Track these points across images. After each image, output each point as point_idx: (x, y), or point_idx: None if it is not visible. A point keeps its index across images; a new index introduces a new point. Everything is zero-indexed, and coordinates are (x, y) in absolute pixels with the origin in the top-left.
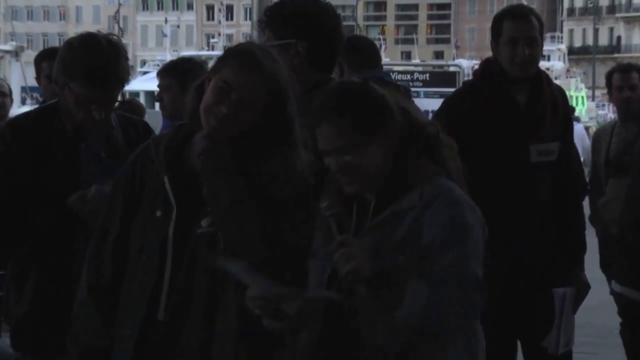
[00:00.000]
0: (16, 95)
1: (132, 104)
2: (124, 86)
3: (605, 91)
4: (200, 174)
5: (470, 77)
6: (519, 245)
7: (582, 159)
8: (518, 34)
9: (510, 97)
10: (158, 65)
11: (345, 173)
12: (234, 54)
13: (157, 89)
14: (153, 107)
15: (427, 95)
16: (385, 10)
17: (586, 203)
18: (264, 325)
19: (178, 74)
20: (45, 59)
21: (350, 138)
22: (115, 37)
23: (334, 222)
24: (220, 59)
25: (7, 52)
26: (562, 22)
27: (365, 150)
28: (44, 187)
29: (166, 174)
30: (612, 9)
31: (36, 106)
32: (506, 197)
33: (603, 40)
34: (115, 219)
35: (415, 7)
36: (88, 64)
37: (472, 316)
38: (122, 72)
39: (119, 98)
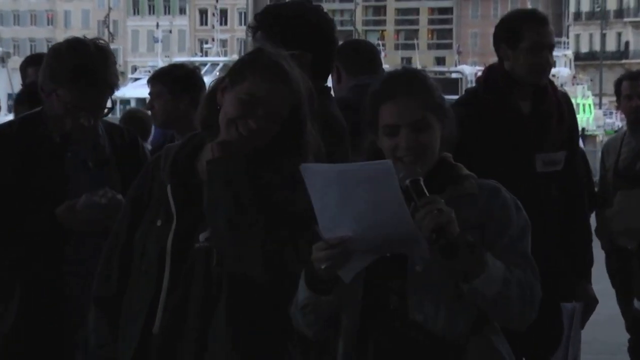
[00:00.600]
0: (3, 102)
1: (138, 114)
2: (113, 92)
3: (613, 99)
4: (204, 183)
5: (474, 84)
6: None
7: None
8: (541, 39)
9: (516, 105)
10: (149, 71)
11: (412, 151)
12: (259, 65)
13: (148, 97)
14: None
15: None
16: (384, 14)
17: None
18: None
19: (169, 81)
20: (31, 64)
21: (426, 114)
22: (102, 42)
23: (413, 188)
24: (239, 69)
25: None
26: (568, 26)
27: (433, 131)
28: (31, 196)
29: (169, 183)
30: (619, 13)
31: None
32: None
33: (610, 46)
34: (123, 229)
35: (416, 11)
36: (76, 69)
37: (535, 305)
38: (111, 77)
39: (109, 104)
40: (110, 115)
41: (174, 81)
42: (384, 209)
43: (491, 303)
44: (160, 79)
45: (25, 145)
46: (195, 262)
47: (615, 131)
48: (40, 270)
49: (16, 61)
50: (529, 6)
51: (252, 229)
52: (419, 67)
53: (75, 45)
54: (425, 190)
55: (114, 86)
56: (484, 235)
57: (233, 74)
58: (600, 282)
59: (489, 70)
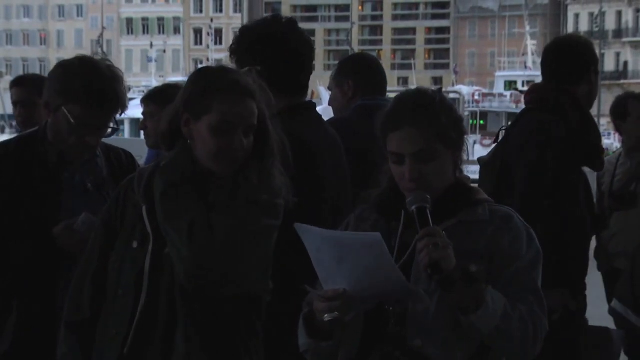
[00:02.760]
0: None
1: None
2: (122, 112)
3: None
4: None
5: (471, 104)
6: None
7: None
8: None
9: (596, 125)
10: (143, 91)
11: (415, 183)
12: (220, 88)
13: (142, 117)
14: (138, 135)
15: None
16: (381, 34)
17: None
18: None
19: (163, 101)
20: (16, 85)
21: (432, 143)
22: (109, 61)
23: (418, 216)
24: (197, 98)
25: None
26: None
27: (439, 160)
28: (26, 216)
29: (144, 204)
30: (618, 33)
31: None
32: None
33: (609, 66)
34: (95, 253)
35: (413, 30)
36: (90, 85)
37: (538, 340)
38: (122, 96)
39: (113, 124)
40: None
41: (168, 101)
42: (376, 273)
43: (488, 337)
44: (154, 98)
45: (22, 165)
46: (163, 270)
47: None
48: (35, 293)
49: (8, 81)
50: (527, 27)
51: (186, 201)
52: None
53: (87, 63)
54: (430, 219)
55: (125, 105)
56: (492, 266)
57: (193, 105)
58: (601, 305)
59: (566, 92)
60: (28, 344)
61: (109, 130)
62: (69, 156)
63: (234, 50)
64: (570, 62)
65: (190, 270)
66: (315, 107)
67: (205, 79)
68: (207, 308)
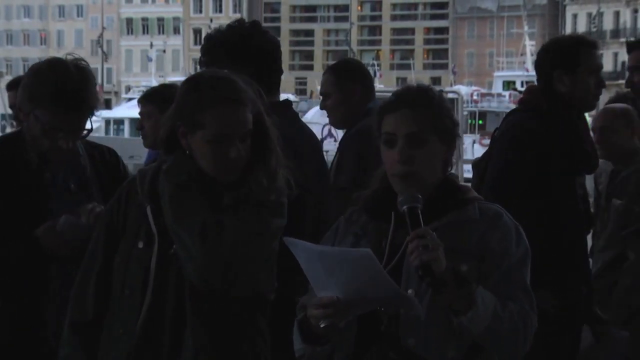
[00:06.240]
0: None
1: None
2: (93, 114)
3: None
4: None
5: (470, 104)
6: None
7: None
8: (600, 64)
9: (581, 127)
10: (143, 91)
11: (406, 165)
12: (213, 101)
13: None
14: (138, 135)
15: None
16: (380, 34)
17: None
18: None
19: (160, 101)
20: (10, 88)
21: (425, 129)
22: (83, 62)
23: (409, 216)
24: (191, 112)
25: None
26: None
27: (430, 149)
28: (9, 219)
29: (149, 204)
30: (616, 34)
31: None
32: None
33: (607, 66)
34: (97, 253)
35: (412, 30)
36: (56, 89)
37: (528, 338)
38: (92, 99)
39: (88, 126)
40: (104, 135)
41: (165, 101)
42: (369, 285)
43: (479, 337)
44: (151, 99)
45: (4, 166)
46: (169, 269)
47: None
48: (22, 298)
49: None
50: (526, 27)
51: (193, 205)
52: None
53: (55, 66)
54: (421, 219)
55: (93, 108)
56: (482, 265)
57: (187, 119)
58: None
59: (548, 92)
60: (14, 346)
61: (84, 132)
62: (50, 157)
63: (202, 62)
64: (558, 63)
65: (201, 270)
66: (292, 104)
67: (195, 91)
68: (215, 307)
